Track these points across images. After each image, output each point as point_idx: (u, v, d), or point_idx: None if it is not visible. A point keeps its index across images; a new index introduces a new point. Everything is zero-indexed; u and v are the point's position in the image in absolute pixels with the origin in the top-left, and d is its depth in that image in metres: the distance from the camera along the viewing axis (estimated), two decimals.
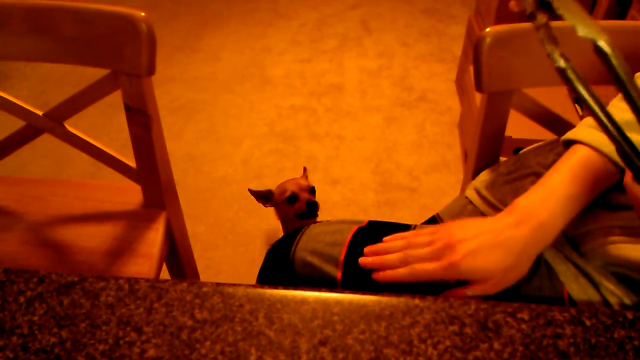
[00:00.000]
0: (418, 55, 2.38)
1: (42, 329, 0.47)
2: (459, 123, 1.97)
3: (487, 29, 0.65)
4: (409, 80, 2.23)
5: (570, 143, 0.56)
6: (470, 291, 0.52)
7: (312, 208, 1.29)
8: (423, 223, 0.72)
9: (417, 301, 0.49)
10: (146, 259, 0.81)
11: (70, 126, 0.85)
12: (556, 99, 1.66)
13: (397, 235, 0.58)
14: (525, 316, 0.48)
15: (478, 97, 1.67)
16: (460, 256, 0.50)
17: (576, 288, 0.56)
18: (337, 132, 1.96)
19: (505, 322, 0.47)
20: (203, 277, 1.46)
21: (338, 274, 0.62)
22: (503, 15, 1.76)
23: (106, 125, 2.01)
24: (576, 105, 1.67)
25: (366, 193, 1.72)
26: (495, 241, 0.51)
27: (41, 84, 2.25)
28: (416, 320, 0.47)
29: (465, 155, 1.78)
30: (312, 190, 1.36)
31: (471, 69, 1.81)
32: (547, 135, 0.76)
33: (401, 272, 0.53)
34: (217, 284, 0.50)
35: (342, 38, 2.51)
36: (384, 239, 0.59)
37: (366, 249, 0.58)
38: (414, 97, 2.13)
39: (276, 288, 0.50)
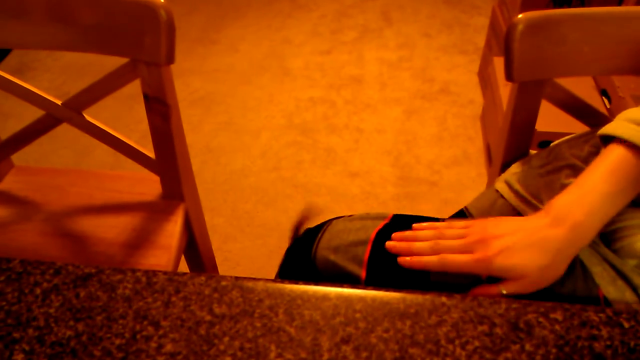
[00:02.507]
0: (440, 47, 2.33)
1: (58, 321, 0.46)
2: (481, 116, 1.93)
3: (520, 15, 0.62)
4: (430, 72, 2.19)
5: (606, 137, 0.53)
6: (504, 288, 0.50)
7: None
8: (451, 217, 0.70)
9: (444, 299, 0.47)
10: (164, 251, 0.81)
11: (90, 117, 0.84)
12: (583, 90, 1.62)
13: (427, 224, 0.58)
14: (559, 316, 0.45)
15: (502, 90, 1.63)
16: (494, 252, 0.49)
17: (613, 290, 0.53)
18: (356, 125, 1.94)
19: (537, 322, 0.45)
20: (221, 269, 1.46)
21: (362, 274, 0.60)
22: (529, 5, 1.71)
23: (126, 116, 2.01)
24: (603, 97, 1.62)
25: (385, 186, 1.70)
26: (530, 240, 0.49)
27: (62, 75, 2.26)
28: (443, 319, 0.45)
29: (488, 149, 1.74)
30: None
31: (495, 60, 1.77)
32: (574, 128, 0.73)
33: (430, 260, 0.52)
34: (236, 278, 0.49)
35: (362, 29, 2.47)
36: (413, 226, 0.58)
37: (394, 234, 0.57)
38: (435, 89, 2.10)
39: (297, 283, 0.48)
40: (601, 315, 0.45)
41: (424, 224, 0.58)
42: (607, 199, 0.49)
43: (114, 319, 0.46)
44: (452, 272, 0.52)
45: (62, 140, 1.90)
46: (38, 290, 0.48)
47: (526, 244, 0.49)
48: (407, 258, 0.54)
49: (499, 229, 0.51)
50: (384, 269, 0.58)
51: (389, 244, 0.56)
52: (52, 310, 0.46)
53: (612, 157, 0.51)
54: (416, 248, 0.54)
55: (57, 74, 2.27)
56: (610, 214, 0.50)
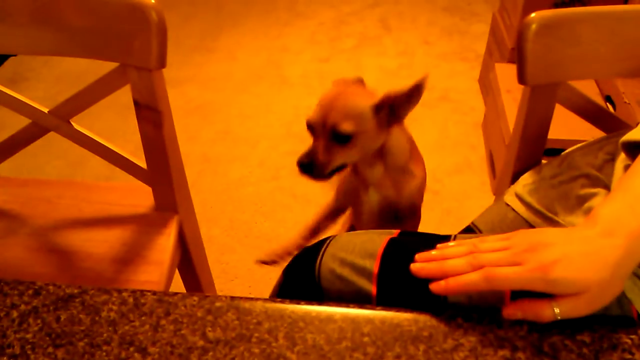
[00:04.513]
0: (440, 54, 2.31)
1: (35, 348, 0.41)
2: (482, 123, 1.90)
3: (533, 14, 0.59)
4: (430, 79, 2.15)
5: (629, 145, 0.50)
6: (558, 305, 0.41)
7: (305, 168, 0.83)
8: (459, 233, 0.65)
9: (460, 321, 0.43)
10: (157, 267, 0.76)
11: (84, 127, 0.81)
12: None
13: (455, 241, 0.49)
14: (587, 339, 0.41)
15: (504, 96, 1.59)
16: (551, 260, 0.41)
17: None
18: None
19: (563, 345, 0.41)
20: (218, 282, 1.41)
21: (373, 289, 0.54)
22: (530, 10, 1.68)
23: (121, 127, 1.97)
24: (607, 103, 1.59)
25: None
26: (587, 249, 0.42)
27: (57, 84, 2.23)
28: (460, 343, 0.41)
29: (491, 157, 1.71)
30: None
31: (496, 67, 1.74)
32: (581, 134, 0.69)
33: (472, 279, 0.43)
34: (232, 298, 0.45)
35: (361, 37, 2.45)
36: (438, 246, 0.49)
37: (418, 256, 0.48)
38: (436, 96, 2.06)
39: (298, 303, 0.44)
40: (633, 337, 0.41)
41: (450, 243, 0.49)
42: None
43: (97, 345, 0.42)
44: (500, 289, 0.44)
45: (55, 151, 1.86)
46: (15, 314, 0.44)
47: (584, 252, 0.42)
48: (442, 282, 0.44)
49: (547, 237, 0.43)
50: (396, 283, 0.53)
51: (414, 267, 0.47)
52: (29, 336, 0.42)
53: None
54: (450, 267, 0.44)
55: (52, 83, 2.24)
56: None
